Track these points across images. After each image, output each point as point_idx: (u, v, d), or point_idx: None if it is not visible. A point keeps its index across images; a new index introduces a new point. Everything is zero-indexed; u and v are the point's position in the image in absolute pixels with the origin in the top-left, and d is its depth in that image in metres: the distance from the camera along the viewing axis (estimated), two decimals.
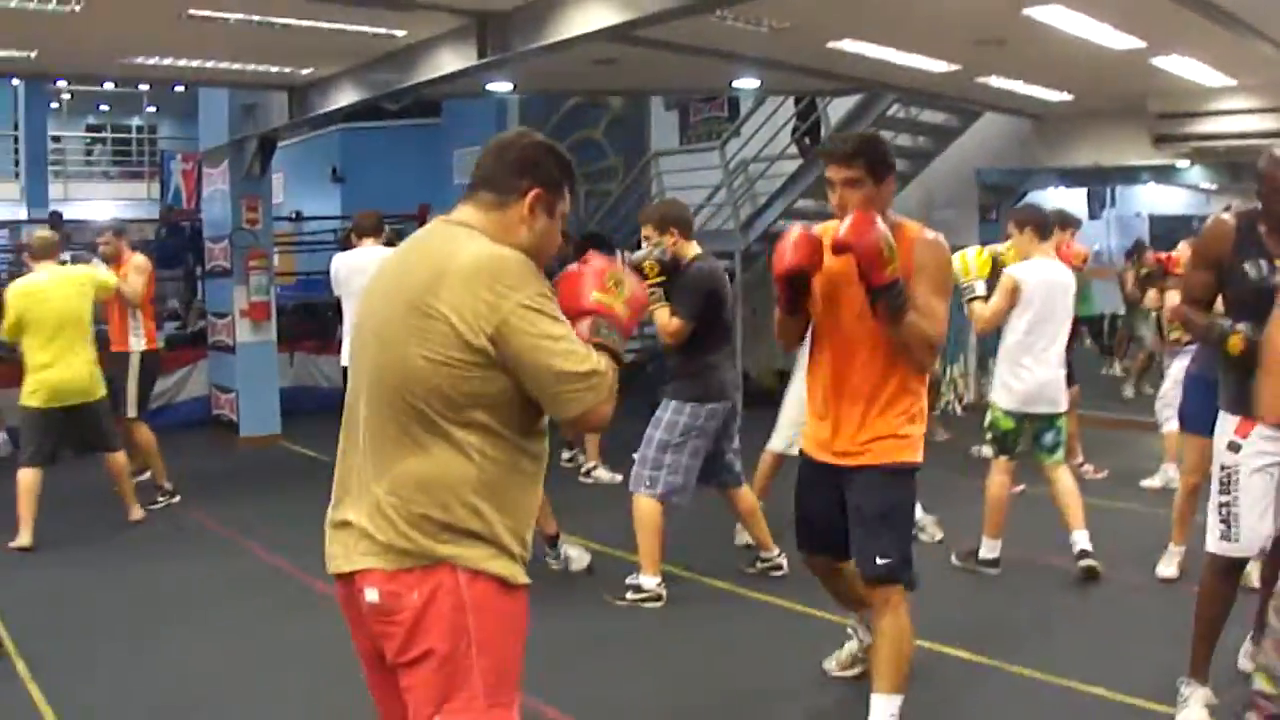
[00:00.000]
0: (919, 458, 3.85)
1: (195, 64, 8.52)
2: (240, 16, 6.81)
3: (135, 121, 25.09)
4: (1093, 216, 16.05)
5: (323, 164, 18.07)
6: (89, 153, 24.66)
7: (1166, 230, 15.55)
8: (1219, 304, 3.95)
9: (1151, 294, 9.51)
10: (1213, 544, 3.93)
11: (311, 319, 12.93)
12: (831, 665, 4.63)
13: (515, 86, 10.83)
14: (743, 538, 6.37)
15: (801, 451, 4.11)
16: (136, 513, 7.49)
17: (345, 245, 9.07)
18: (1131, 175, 13.01)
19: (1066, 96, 10.07)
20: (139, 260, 8.21)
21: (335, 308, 8.00)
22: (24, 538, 6.79)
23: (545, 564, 6.04)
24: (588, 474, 8.69)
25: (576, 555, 6.23)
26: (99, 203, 21.01)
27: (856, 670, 4.54)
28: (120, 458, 7.44)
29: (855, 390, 3.77)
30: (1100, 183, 14.78)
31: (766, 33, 7.34)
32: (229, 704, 4.59)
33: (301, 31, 7.17)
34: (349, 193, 17.25)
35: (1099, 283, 12.79)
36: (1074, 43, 7.48)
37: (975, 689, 4.63)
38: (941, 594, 5.57)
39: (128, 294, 7.90)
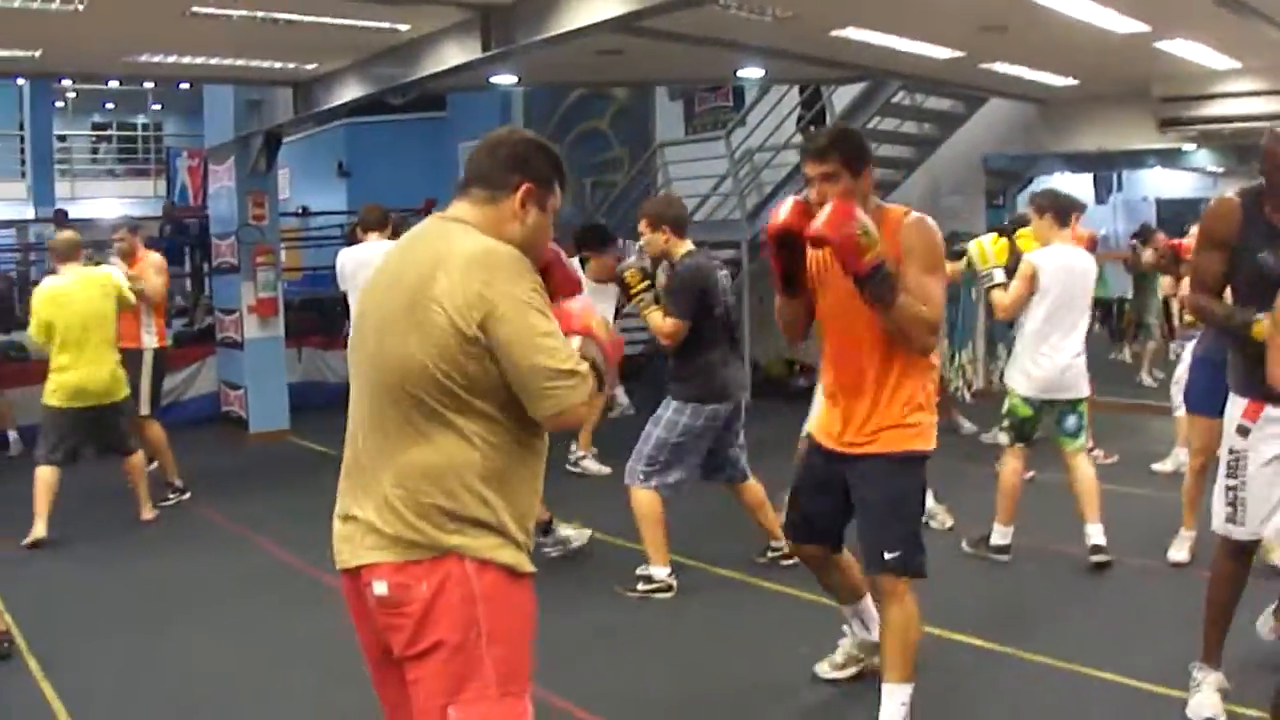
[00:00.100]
0: (929, 446, 3.83)
1: (200, 61, 8.52)
2: (244, 13, 6.80)
3: (140, 119, 25.12)
4: (1099, 201, 16.01)
5: (328, 159, 18.09)
6: (95, 151, 24.69)
7: (1174, 214, 15.50)
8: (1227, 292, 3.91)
9: (1167, 280, 9.50)
10: (1219, 526, 3.92)
11: (319, 314, 12.93)
12: (825, 669, 4.51)
13: (520, 79, 10.81)
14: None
15: (810, 436, 4.11)
16: (149, 512, 7.50)
17: (351, 240, 9.08)
18: (1138, 159, 12.99)
19: (1071, 81, 10.04)
20: (157, 259, 8.34)
21: (342, 303, 8.00)
22: (38, 529, 6.83)
23: (546, 555, 6.05)
24: (576, 464, 8.65)
25: (575, 534, 6.25)
26: (105, 201, 21.06)
27: (850, 672, 4.46)
28: (138, 460, 7.47)
29: (860, 380, 3.77)
30: (1107, 167, 14.74)
31: (770, 22, 7.32)
32: (238, 700, 4.60)
33: (305, 27, 7.17)
34: (355, 187, 17.29)
35: (1109, 265, 12.75)
36: (1077, 27, 7.45)
37: (986, 675, 4.62)
38: (952, 581, 5.57)
39: (150, 294, 8.00)
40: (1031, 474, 6.78)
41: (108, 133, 25.08)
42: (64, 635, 5.34)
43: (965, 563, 6.05)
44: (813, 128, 12.20)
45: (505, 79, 10.44)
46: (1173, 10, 7.26)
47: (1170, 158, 12.34)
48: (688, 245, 5.68)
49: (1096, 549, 5.80)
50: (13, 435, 10.03)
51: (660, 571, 5.67)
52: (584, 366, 2.46)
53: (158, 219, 16.03)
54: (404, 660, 2.47)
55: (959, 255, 6.66)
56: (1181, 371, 7.33)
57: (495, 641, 2.44)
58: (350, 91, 8.97)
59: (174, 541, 7.10)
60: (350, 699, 3.69)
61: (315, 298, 13.71)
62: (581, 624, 5.25)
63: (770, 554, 6.06)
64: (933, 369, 3.93)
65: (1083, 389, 5.93)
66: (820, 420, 4.03)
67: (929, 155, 11.99)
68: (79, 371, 6.96)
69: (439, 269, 2.40)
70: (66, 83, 21.04)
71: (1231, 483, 3.85)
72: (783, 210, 3.72)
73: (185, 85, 14.98)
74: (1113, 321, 14.51)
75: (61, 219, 15.55)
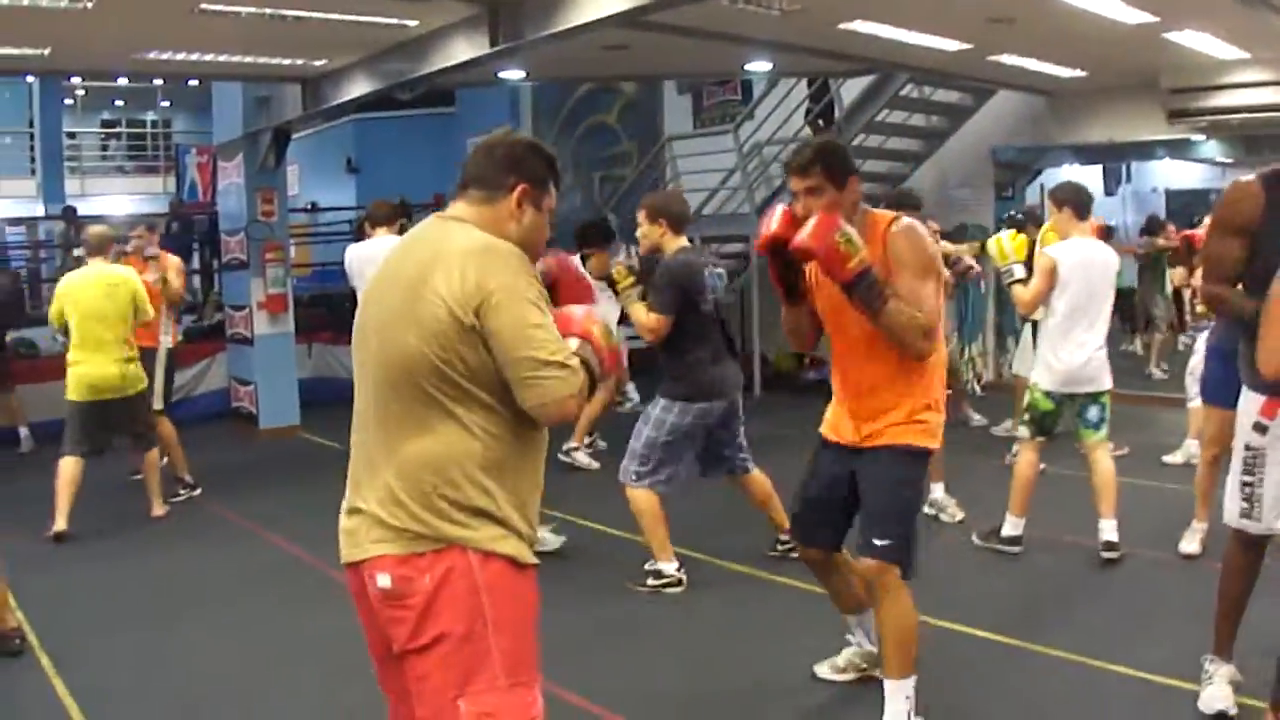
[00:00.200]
0: (934, 444, 3.86)
1: (208, 58, 8.53)
2: (252, 10, 6.81)
3: (150, 116, 25.11)
4: (1108, 193, 15.94)
5: (337, 155, 18.11)
6: (104, 148, 24.71)
7: (1183, 205, 15.45)
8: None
9: (1180, 272, 9.46)
10: (1234, 520, 3.90)
11: (328, 310, 12.95)
12: (825, 669, 4.49)
13: (528, 74, 10.80)
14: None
15: (820, 433, 4.12)
16: (159, 509, 7.53)
17: (359, 236, 9.09)
18: (1147, 150, 12.94)
19: (1079, 73, 10.01)
20: (176, 261, 8.47)
21: (352, 298, 8.01)
22: (59, 523, 6.87)
23: (557, 551, 6.08)
24: (567, 454, 8.56)
25: (551, 538, 6.16)
26: (115, 198, 21.09)
27: (850, 677, 4.44)
28: (153, 456, 7.52)
29: (864, 384, 3.84)
30: (1115, 159, 14.67)
31: (778, 15, 7.31)
32: (247, 697, 4.62)
33: (314, 23, 7.18)
34: (364, 183, 17.31)
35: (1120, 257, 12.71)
36: (1085, 18, 7.43)
37: (997, 668, 4.61)
38: (963, 574, 5.56)
39: (172, 297, 8.13)
40: (1043, 466, 6.77)
41: (117, 130, 25.09)
42: (75, 631, 5.37)
43: (976, 556, 6.04)
44: (821, 121, 12.21)
45: (513, 74, 10.45)
46: (1181, 1, 7.23)
47: (1179, 149, 12.27)
48: (681, 242, 5.67)
49: (1108, 545, 5.78)
50: (24, 432, 10.05)
51: (668, 566, 5.67)
52: (574, 361, 2.50)
53: (164, 215, 16.08)
54: (405, 655, 2.49)
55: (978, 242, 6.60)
56: (1195, 362, 7.30)
57: (501, 632, 2.46)
58: (359, 87, 8.98)
59: (185, 537, 7.12)
60: (358, 695, 3.70)
61: (325, 293, 13.75)
62: (593, 619, 5.26)
63: (780, 547, 6.04)
64: (941, 367, 3.93)
65: (1105, 381, 5.88)
66: (829, 418, 4.06)
67: (937, 148, 11.98)
68: (89, 366, 7.00)
69: (438, 264, 2.46)
70: (75, 80, 21.04)
71: (1248, 479, 3.82)
72: (771, 221, 3.76)
73: (194, 82, 15.04)
74: (1129, 312, 14.46)
75: (69, 216, 15.61)
